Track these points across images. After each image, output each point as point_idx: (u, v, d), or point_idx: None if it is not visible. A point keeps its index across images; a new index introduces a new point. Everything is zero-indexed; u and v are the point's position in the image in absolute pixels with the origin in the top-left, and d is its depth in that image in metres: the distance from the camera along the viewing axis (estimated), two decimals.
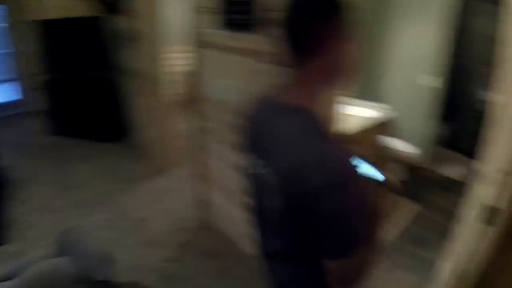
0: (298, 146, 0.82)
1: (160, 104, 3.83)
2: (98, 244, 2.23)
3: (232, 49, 2.18)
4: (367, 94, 3.74)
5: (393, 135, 3.49)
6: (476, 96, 3.77)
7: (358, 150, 1.00)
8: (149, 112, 4.03)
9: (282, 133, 0.87)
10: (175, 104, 4.06)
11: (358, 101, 3.21)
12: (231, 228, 2.90)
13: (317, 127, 0.87)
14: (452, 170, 3.83)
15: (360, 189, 0.86)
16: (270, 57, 1.79)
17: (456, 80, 3.84)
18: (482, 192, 1.36)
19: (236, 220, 2.71)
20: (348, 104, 2.87)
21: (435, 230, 3.00)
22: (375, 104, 3.28)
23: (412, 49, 3.80)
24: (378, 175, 1.00)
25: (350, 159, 0.88)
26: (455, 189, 2.66)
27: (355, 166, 0.92)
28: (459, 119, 4.03)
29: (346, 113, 2.50)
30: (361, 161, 1.02)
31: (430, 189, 3.61)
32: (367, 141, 2.86)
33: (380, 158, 3.02)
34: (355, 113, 2.93)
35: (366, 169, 1.01)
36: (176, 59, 4.00)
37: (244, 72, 2.13)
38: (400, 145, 3.83)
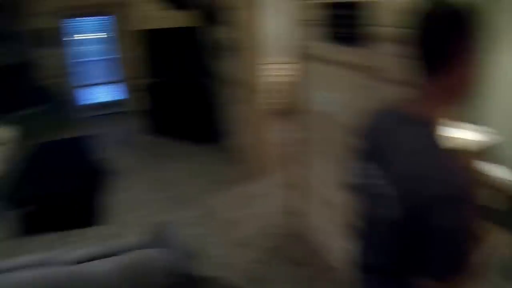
0: (423, 156, 0.84)
1: (256, 111, 3.84)
2: (188, 240, 2.22)
3: (337, 62, 2.17)
4: (471, 115, 3.29)
5: (494, 161, 3.04)
6: None
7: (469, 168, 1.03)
8: (244, 119, 4.06)
9: (407, 143, 0.89)
10: (272, 112, 4.06)
11: (461, 122, 2.86)
12: (320, 239, 2.79)
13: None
14: None
15: (472, 208, 0.86)
16: (379, 72, 1.76)
17: None
18: None
19: (325, 231, 2.65)
20: (452, 124, 2.58)
21: None
22: (478, 127, 2.88)
23: None
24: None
25: (467, 176, 0.91)
26: None
27: (470, 183, 0.92)
28: None
29: (449, 133, 2.26)
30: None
31: None
32: (466, 164, 2.54)
33: (477, 183, 2.65)
34: (456, 134, 2.61)
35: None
36: (275, 70, 4.06)
37: (349, 86, 2.09)
38: (500, 172, 3.31)
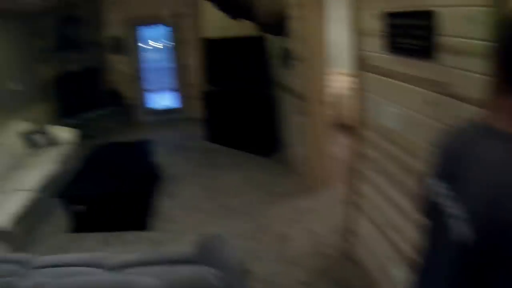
0: (506, 173, 0.75)
1: (316, 124, 3.70)
2: (237, 253, 2.09)
3: (402, 75, 2.00)
4: None
5: None
6: None
7: None
8: (303, 131, 3.93)
9: (489, 158, 0.81)
10: (332, 125, 3.90)
11: None
12: (373, 262, 2.57)
13: None
14: None
15: None
16: (447, 87, 1.61)
17: None
18: None
19: (380, 254, 2.43)
20: None
21: None
22: None
23: None
24: None
25: None
26: None
27: None
28: None
29: None
30: None
31: None
32: None
33: None
34: None
35: None
36: (338, 82, 3.91)
37: (414, 101, 1.92)
38: None
